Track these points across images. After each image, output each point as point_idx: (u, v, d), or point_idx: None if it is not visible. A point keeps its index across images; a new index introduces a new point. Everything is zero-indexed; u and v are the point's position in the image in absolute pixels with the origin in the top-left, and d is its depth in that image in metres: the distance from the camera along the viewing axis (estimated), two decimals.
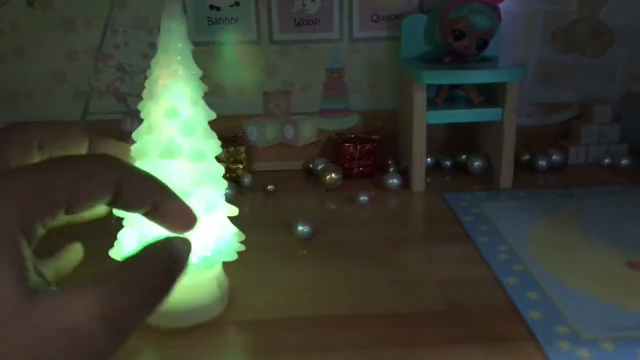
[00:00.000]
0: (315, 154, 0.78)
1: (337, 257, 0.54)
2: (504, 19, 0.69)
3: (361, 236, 0.59)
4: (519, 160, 0.75)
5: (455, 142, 0.79)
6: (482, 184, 0.72)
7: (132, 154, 0.37)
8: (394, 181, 0.69)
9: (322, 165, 0.73)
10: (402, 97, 0.73)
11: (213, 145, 0.41)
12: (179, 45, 0.37)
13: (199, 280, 0.41)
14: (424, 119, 0.67)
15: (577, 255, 0.55)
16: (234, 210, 0.42)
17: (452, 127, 0.78)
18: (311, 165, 0.75)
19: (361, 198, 0.66)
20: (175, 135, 0.38)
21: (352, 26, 0.74)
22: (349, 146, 0.74)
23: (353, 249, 0.56)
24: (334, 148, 0.76)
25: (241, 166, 0.72)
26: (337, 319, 0.45)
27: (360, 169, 0.74)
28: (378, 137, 0.75)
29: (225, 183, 0.42)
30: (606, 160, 0.76)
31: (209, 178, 0.40)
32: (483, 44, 0.67)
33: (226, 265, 0.45)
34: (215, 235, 0.41)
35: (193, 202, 0.37)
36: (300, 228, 0.57)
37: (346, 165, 0.74)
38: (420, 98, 0.66)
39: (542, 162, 0.74)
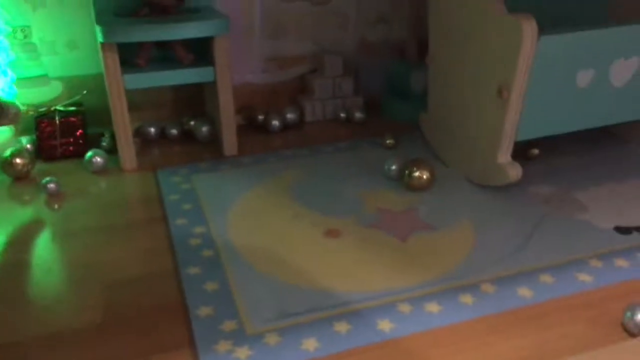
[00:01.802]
0: (15, 134, 0.63)
1: None
2: None
3: (33, 233, 0.48)
4: (255, 121, 0.70)
5: (183, 107, 0.70)
6: (209, 152, 0.64)
7: None
8: (97, 160, 0.59)
9: (12, 149, 0.59)
10: (102, 59, 0.61)
11: None
12: None
13: None
14: (121, 83, 0.56)
15: (279, 228, 0.49)
16: None
17: (178, 90, 0.69)
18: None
19: (49, 186, 0.54)
20: None
21: None
22: (47, 122, 0.61)
23: (16, 252, 0.46)
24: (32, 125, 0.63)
25: None
26: None
27: (68, 147, 0.62)
28: (82, 107, 0.63)
29: None
30: (342, 115, 0.73)
31: None
32: None
33: None
34: None
35: None
36: None
37: (47, 144, 0.61)
38: (111, 59, 0.55)
39: (275, 122, 0.69)
